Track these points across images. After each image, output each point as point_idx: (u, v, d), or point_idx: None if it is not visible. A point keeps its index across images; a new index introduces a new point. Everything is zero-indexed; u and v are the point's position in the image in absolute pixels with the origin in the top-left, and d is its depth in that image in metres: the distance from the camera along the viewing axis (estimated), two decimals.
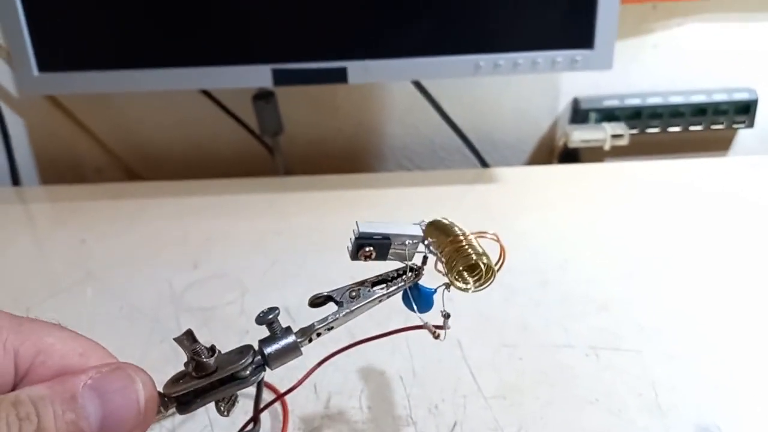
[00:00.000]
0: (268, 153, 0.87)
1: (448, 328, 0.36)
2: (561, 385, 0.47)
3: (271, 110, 0.82)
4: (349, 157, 0.91)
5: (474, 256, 0.33)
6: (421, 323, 0.36)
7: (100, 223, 0.75)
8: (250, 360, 0.33)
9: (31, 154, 0.91)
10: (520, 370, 0.49)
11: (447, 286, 0.34)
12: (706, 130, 0.87)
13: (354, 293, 0.37)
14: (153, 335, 0.56)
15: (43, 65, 0.70)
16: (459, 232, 0.34)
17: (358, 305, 0.35)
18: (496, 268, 0.33)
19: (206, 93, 0.83)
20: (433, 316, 0.36)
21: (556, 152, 0.89)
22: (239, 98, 0.83)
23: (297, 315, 0.57)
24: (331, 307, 0.36)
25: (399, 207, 0.75)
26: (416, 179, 0.81)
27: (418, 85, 0.80)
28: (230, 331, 0.55)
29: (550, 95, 0.86)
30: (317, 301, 0.38)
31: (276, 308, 0.36)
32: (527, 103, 0.87)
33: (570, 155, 0.87)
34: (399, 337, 0.54)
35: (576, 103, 0.86)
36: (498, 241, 0.35)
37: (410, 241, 0.35)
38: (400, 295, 0.37)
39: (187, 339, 0.33)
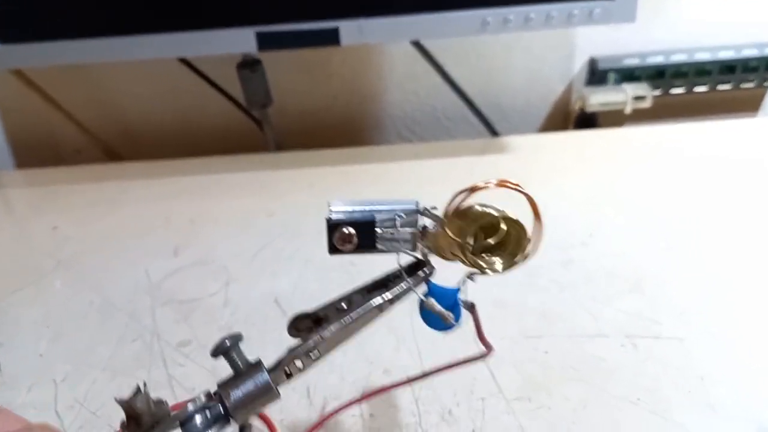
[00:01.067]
0: (257, 127, 0.80)
1: (490, 353, 0.29)
2: (595, 383, 0.41)
3: (258, 80, 0.74)
4: (346, 129, 0.84)
5: (492, 212, 0.26)
6: (479, 355, 0.29)
7: (75, 208, 0.69)
8: (200, 410, 0.26)
9: (4, 137, 0.85)
10: (546, 366, 0.42)
11: (470, 275, 0.28)
12: (735, 89, 0.80)
13: (344, 305, 0.29)
14: (126, 332, 0.49)
15: (6, 36, 0.64)
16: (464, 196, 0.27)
17: (348, 321, 0.28)
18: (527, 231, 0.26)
19: (186, 63, 0.76)
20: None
21: (572, 117, 0.81)
22: (223, 68, 0.76)
23: (288, 307, 0.50)
24: None
25: (401, 182, 0.68)
26: (419, 151, 0.74)
27: (418, 46, 0.72)
28: (212, 326, 0.49)
29: (564, 54, 0.79)
30: (297, 326, 0.30)
31: (238, 335, 0.28)
32: (539, 63, 0.80)
33: (587, 120, 0.80)
34: (404, 329, 0.48)
35: (593, 62, 0.79)
36: (524, 192, 0.27)
37: (401, 217, 0.28)
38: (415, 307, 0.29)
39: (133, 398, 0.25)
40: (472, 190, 0.27)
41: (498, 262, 0.28)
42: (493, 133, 0.77)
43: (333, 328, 0.28)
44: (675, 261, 0.51)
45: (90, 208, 0.69)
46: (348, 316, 0.28)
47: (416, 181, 0.68)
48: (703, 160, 0.67)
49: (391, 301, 0.28)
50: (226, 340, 0.27)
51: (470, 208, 0.27)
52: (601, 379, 0.41)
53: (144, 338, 0.49)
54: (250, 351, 0.47)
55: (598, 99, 0.76)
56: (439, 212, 0.28)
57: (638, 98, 0.76)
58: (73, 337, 0.50)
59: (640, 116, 0.78)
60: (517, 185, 0.27)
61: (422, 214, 0.28)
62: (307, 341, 0.27)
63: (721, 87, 0.79)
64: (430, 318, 0.29)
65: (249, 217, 0.64)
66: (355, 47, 0.77)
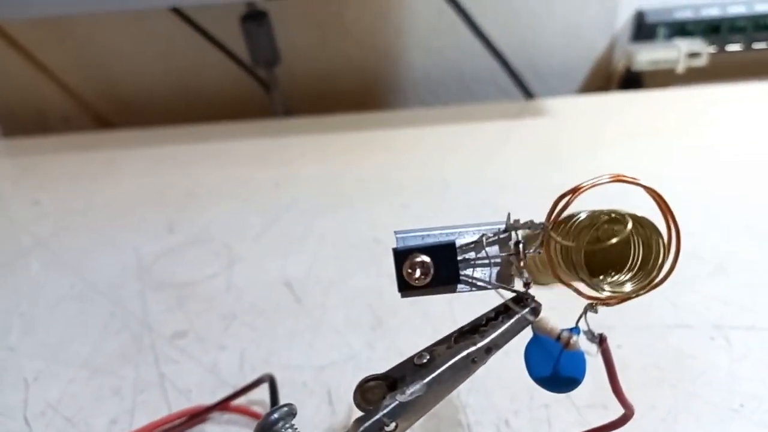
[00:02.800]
0: (263, 89, 0.72)
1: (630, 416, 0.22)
2: (684, 385, 0.33)
3: (264, 35, 0.66)
4: (361, 92, 0.76)
5: (613, 215, 0.19)
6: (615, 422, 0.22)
7: (60, 181, 0.61)
8: None
9: None
10: (623, 364, 0.34)
11: (592, 305, 0.20)
12: None
13: (425, 359, 0.22)
14: (110, 322, 0.42)
15: None
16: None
17: (433, 380, 0.21)
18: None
19: (183, 16, 0.67)
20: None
21: (615, 78, 0.73)
22: (224, 22, 0.68)
23: (302, 292, 0.42)
24: None
25: (424, 150, 0.60)
26: (444, 116, 0.66)
27: None
28: (212, 314, 0.41)
29: (606, 6, 0.70)
30: (366, 396, 0.23)
31: (288, 407, 0.22)
32: (578, 16, 0.71)
33: (632, 81, 0.71)
34: (444, 319, 0.40)
35: (640, 16, 0.70)
36: (650, 189, 0.20)
37: (489, 236, 0.21)
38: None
39: None
40: (575, 191, 0.20)
41: (628, 284, 0.20)
42: (528, 95, 0.68)
43: (412, 390, 0.20)
44: (760, 238, 0.43)
45: (75, 180, 0.61)
46: (432, 374, 0.21)
47: (442, 149, 0.60)
48: (764, 124, 0.58)
49: (488, 350, 0.21)
50: (274, 415, 0.20)
51: (574, 217, 0.20)
52: (692, 380, 0.33)
53: (131, 329, 0.41)
54: (258, 344, 0.40)
55: (647, 56, 0.68)
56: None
57: (692, 55, 0.67)
58: (49, 328, 0.42)
59: (691, 77, 0.69)
60: (636, 180, 0.20)
61: (516, 228, 0.21)
62: (378, 412, 0.20)
63: None
64: (547, 374, 0.22)
65: (254, 189, 0.56)
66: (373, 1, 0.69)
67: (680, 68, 0.68)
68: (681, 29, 0.70)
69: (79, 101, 0.77)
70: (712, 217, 0.46)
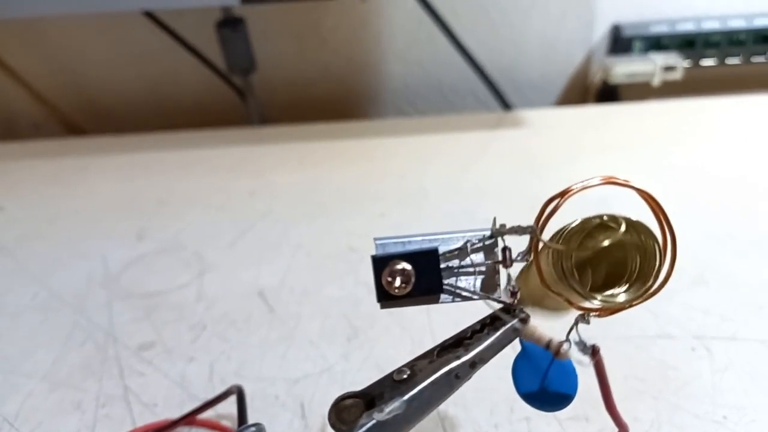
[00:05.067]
0: (238, 96, 0.71)
1: None
2: (667, 396, 0.32)
3: (240, 41, 0.65)
4: (338, 102, 0.75)
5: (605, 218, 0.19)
6: None
7: (27, 187, 0.59)
8: None
9: None
10: None
11: (584, 315, 0.20)
12: None
13: (404, 375, 0.21)
14: (74, 332, 0.40)
15: None
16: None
17: (413, 397, 0.20)
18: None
19: (156, 20, 0.66)
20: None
21: (592, 91, 0.73)
22: (199, 27, 0.67)
23: (276, 302, 0.41)
24: None
25: (402, 159, 0.59)
26: (423, 126, 0.65)
27: (424, 4, 0.63)
28: (181, 325, 0.40)
29: (584, 20, 0.71)
30: (342, 416, 0.21)
31: (256, 427, 0.22)
32: (556, 30, 0.71)
33: (608, 94, 0.72)
34: (423, 329, 0.39)
35: (616, 30, 0.71)
36: (643, 191, 0.19)
37: (474, 243, 0.21)
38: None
39: None
40: (564, 194, 0.19)
41: (621, 294, 0.19)
42: (506, 106, 0.68)
43: (391, 408, 0.19)
44: (738, 249, 0.43)
45: (43, 187, 0.59)
46: (412, 391, 0.19)
47: (420, 159, 0.59)
48: (744, 136, 0.59)
49: (473, 364, 0.20)
50: None
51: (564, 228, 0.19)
52: (675, 391, 0.32)
53: (96, 340, 0.39)
54: (228, 355, 0.38)
55: (623, 69, 0.68)
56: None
57: (668, 69, 0.68)
58: (9, 339, 0.40)
59: (666, 90, 0.70)
60: (628, 182, 0.19)
61: (503, 234, 0.20)
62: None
63: (756, 59, 0.71)
64: (535, 389, 0.21)
65: (228, 197, 0.55)
66: (352, 9, 0.68)
67: (656, 81, 0.68)
68: (657, 43, 0.70)
69: (50, 107, 0.75)
70: (692, 229, 0.45)
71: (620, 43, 0.70)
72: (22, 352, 0.39)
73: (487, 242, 0.21)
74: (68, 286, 0.44)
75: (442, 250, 0.21)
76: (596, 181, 0.19)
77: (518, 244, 0.21)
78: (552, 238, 0.20)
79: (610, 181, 0.19)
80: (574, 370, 0.22)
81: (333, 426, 0.20)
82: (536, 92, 0.74)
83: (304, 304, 0.41)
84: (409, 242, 0.21)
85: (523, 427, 0.31)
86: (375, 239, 0.21)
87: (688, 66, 0.70)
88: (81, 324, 0.41)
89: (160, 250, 0.48)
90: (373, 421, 0.20)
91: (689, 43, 0.71)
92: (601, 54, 0.72)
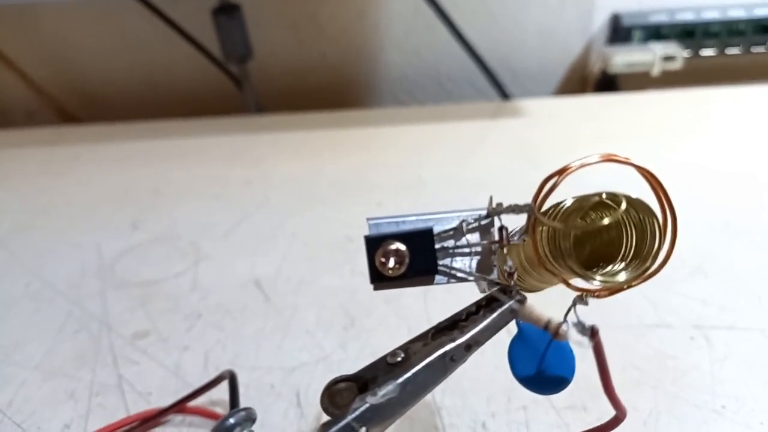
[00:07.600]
0: (235, 85, 0.70)
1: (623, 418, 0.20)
2: (665, 386, 0.32)
3: (237, 28, 0.64)
4: (335, 91, 0.74)
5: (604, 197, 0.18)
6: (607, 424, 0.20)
7: (18, 176, 0.59)
8: None
9: None
10: None
11: (581, 296, 0.19)
12: None
13: (398, 358, 0.21)
14: (67, 322, 0.39)
15: None
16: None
17: (407, 380, 0.19)
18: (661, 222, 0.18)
19: (151, 7, 0.65)
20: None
21: (591, 80, 0.72)
22: (195, 14, 0.66)
23: (271, 291, 0.41)
24: None
25: (399, 150, 0.58)
26: (421, 115, 0.65)
27: None
28: (176, 314, 0.39)
29: (583, 9, 0.70)
30: (335, 400, 0.21)
31: (246, 412, 0.21)
32: (555, 19, 0.71)
33: (607, 84, 0.71)
34: (420, 318, 0.39)
35: (616, 19, 0.70)
36: (643, 169, 0.19)
37: (469, 222, 0.20)
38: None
39: None
40: (562, 172, 0.18)
41: (621, 273, 0.19)
42: (504, 96, 0.67)
43: (385, 391, 0.19)
44: (738, 238, 0.43)
45: (36, 175, 0.59)
46: (406, 374, 0.19)
47: (417, 148, 0.58)
48: (744, 126, 0.59)
49: (468, 347, 0.19)
50: (230, 419, 0.18)
51: (560, 204, 0.19)
52: (673, 381, 0.32)
53: (90, 329, 0.39)
54: (224, 344, 0.38)
55: (623, 59, 0.67)
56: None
57: (667, 59, 0.67)
58: (1, 329, 0.40)
59: (666, 80, 0.69)
60: (628, 159, 0.19)
61: (499, 213, 0.19)
62: (346, 416, 0.18)
63: (756, 49, 0.71)
64: (531, 373, 0.20)
65: (224, 186, 0.54)
66: None
67: (655, 71, 0.68)
68: (656, 33, 0.70)
69: (44, 95, 0.75)
70: (690, 218, 0.45)
71: (619, 32, 0.70)
72: (16, 342, 0.38)
73: (483, 222, 0.20)
74: (62, 275, 0.44)
75: (437, 230, 0.20)
76: (595, 158, 0.18)
77: (514, 224, 0.21)
78: (547, 216, 0.19)
79: (609, 158, 0.18)
80: (571, 352, 0.21)
81: (325, 410, 0.20)
82: (535, 82, 0.73)
83: (300, 293, 0.41)
84: (403, 222, 0.21)
85: (521, 416, 0.31)
86: (368, 219, 0.21)
87: (687, 56, 0.70)
88: (75, 313, 0.40)
89: (155, 239, 0.47)
90: (367, 405, 0.19)
91: (689, 33, 0.70)
92: (600, 43, 0.72)
